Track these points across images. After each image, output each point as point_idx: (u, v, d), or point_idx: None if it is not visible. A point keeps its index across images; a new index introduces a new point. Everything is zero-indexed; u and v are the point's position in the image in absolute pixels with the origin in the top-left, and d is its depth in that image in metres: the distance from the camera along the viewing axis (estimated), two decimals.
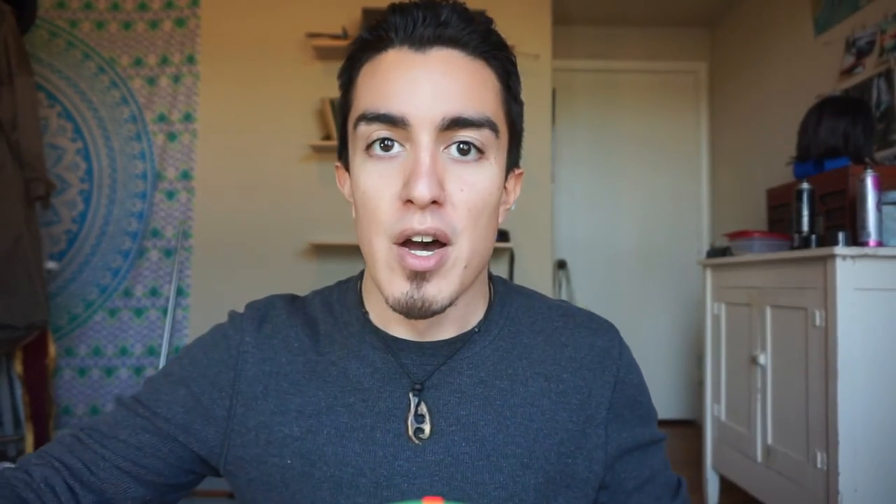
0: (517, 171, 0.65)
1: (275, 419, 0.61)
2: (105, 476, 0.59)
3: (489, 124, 0.55)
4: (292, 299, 0.69)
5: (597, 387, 0.63)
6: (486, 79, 0.57)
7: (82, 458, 0.59)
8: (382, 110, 0.53)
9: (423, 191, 0.51)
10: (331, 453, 0.59)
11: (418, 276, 0.54)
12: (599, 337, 0.65)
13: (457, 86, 0.54)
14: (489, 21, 0.58)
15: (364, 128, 0.55)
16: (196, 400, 0.62)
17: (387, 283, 0.55)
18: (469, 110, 0.54)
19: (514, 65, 0.61)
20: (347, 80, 0.60)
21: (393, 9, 0.56)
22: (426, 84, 0.53)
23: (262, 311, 0.66)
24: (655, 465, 0.65)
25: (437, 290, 0.54)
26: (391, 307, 0.55)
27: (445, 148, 0.55)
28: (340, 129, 0.62)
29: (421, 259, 0.53)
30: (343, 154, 0.63)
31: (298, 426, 0.60)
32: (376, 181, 0.54)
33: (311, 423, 0.60)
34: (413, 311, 0.54)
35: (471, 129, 0.54)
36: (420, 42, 0.55)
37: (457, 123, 0.53)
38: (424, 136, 0.53)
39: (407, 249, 0.53)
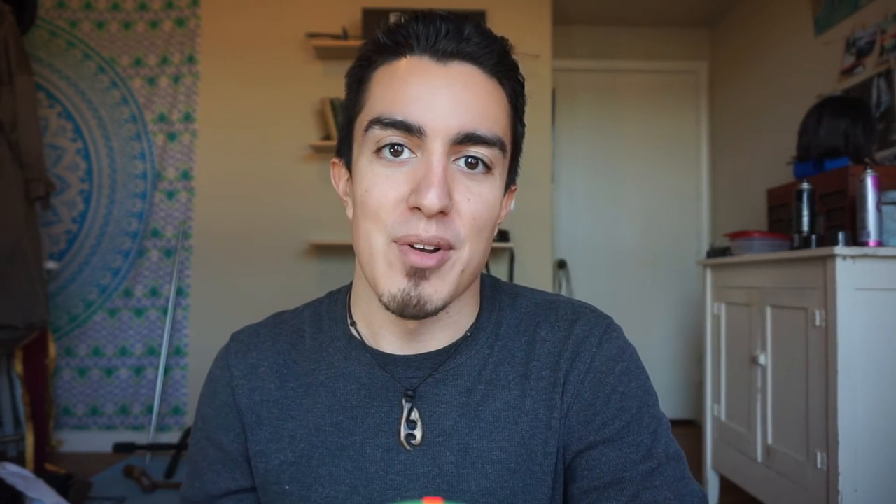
0: (512, 188, 0.65)
1: (271, 447, 0.62)
2: None
3: (499, 143, 0.56)
4: (277, 320, 0.69)
5: (571, 376, 0.61)
6: (500, 98, 0.58)
7: None
8: (399, 117, 0.53)
9: (433, 200, 0.51)
10: (325, 474, 0.60)
11: (417, 274, 0.54)
12: (579, 326, 0.63)
13: (474, 101, 0.54)
14: (506, 42, 0.59)
15: (378, 132, 0.54)
16: (223, 451, 0.64)
17: (384, 279, 0.55)
18: (483, 128, 0.54)
19: (523, 87, 0.61)
20: (358, 80, 0.59)
21: (416, 17, 0.56)
22: (446, 96, 0.54)
23: (247, 342, 0.66)
24: (631, 465, 0.57)
25: (434, 291, 0.54)
26: (385, 304, 0.55)
27: (455, 160, 0.55)
28: (345, 126, 0.62)
29: (423, 256, 0.53)
30: (343, 151, 0.62)
31: (292, 451, 0.61)
32: (382, 182, 0.54)
33: (304, 447, 0.61)
34: (408, 310, 0.54)
35: (482, 145, 0.54)
36: (442, 54, 0.55)
37: (470, 139, 0.54)
38: (438, 147, 0.53)
39: (408, 247, 0.53)
